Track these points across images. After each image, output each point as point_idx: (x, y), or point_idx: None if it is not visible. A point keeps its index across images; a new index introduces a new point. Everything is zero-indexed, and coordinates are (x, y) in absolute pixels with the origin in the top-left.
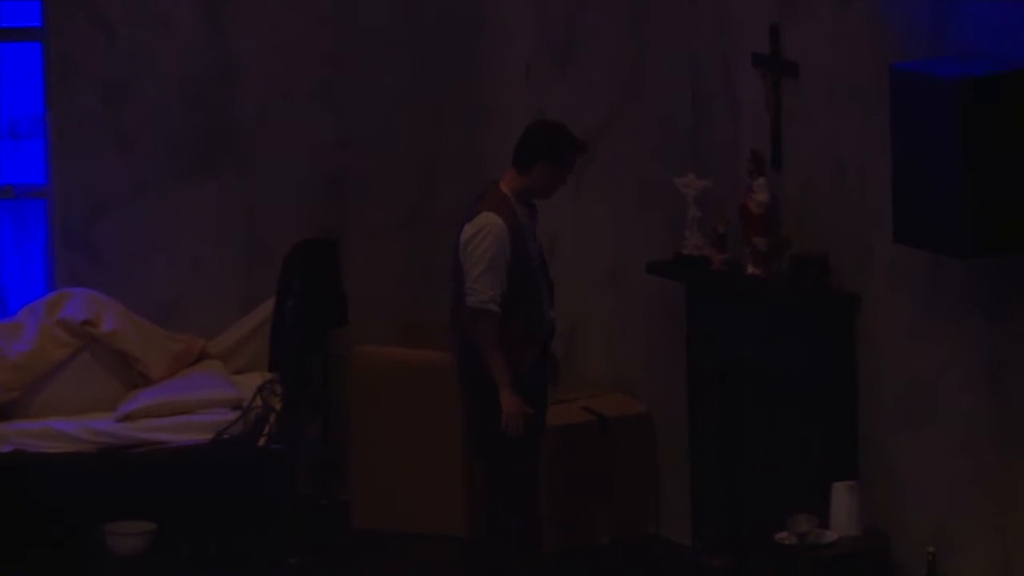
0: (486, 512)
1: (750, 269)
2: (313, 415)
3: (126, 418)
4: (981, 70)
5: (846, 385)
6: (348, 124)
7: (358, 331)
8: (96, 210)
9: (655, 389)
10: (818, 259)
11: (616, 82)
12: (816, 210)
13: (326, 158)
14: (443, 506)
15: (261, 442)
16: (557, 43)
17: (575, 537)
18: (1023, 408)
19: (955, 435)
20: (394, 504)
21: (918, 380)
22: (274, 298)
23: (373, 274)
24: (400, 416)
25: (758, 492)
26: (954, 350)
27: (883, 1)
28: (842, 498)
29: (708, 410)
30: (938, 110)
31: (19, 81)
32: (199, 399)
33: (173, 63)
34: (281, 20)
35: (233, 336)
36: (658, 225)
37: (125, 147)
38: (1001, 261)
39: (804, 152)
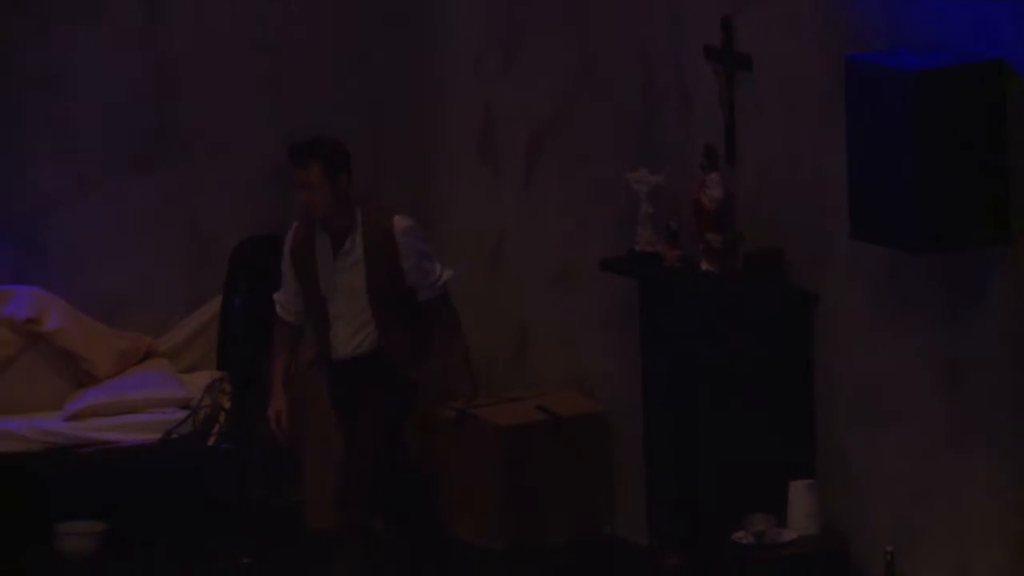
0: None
1: (704, 266)
2: (263, 415)
3: (73, 417)
4: (937, 63)
5: (803, 383)
6: (293, 118)
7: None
8: (40, 206)
9: (610, 387)
10: (773, 255)
11: (565, 75)
12: (771, 205)
13: (272, 153)
14: None
15: (210, 442)
16: (505, 35)
17: (529, 537)
18: (980, 406)
19: (913, 433)
20: None
21: (876, 377)
22: (221, 296)
23: None
24: None
25: (715, 491)
26: (912, 347)
27: None
28: (800, 497)
29: (663, 408)
30: (894, 103)
31: None
32: (147, 398)
33: (112, 55)
34: (223, 10)
35: (180, 334)
36: (610, 222)
37: (68, 142)
38: (958, 258)
39: (758, 146)
